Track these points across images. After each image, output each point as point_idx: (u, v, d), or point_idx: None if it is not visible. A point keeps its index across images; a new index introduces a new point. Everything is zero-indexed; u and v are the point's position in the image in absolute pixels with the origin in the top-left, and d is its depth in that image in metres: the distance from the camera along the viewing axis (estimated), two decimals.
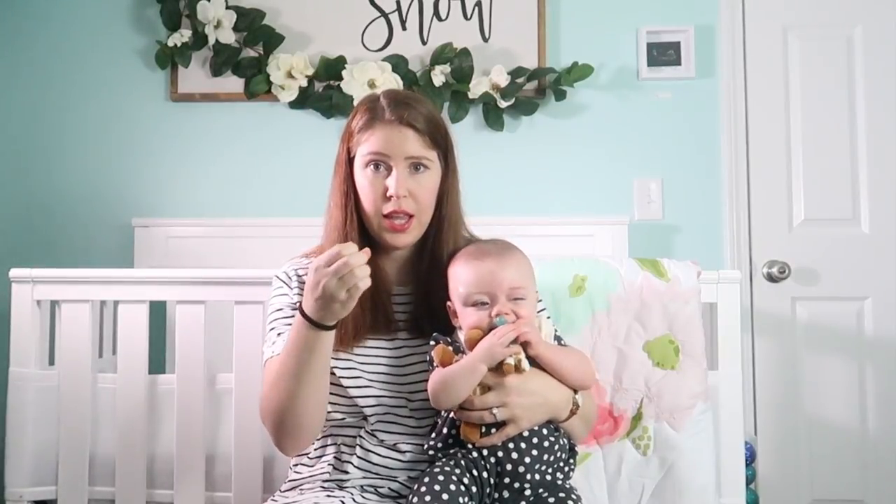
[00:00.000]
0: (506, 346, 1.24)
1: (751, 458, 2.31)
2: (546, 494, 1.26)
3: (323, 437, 1.41)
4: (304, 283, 1.40)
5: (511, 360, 1.25)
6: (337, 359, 1.34)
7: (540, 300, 1.44)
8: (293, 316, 1.38)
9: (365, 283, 1.20)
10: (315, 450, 1.42)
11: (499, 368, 1.25)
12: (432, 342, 1.32)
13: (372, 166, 1.36)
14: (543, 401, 1.29)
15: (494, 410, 1.25)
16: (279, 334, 1.38)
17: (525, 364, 1.26)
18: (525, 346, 1.27)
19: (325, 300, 1.20)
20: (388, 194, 1.34)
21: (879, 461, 2.60)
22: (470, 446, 1.27)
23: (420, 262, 1.42)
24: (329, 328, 1.24)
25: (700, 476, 1.67)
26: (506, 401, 1.25)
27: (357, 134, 1.38)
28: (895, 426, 2.61)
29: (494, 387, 1.26)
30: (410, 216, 1.36)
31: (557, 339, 1.39)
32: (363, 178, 1.37)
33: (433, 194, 1.39)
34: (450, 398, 1.26)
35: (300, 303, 1.26)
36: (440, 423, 1.32)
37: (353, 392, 1.36)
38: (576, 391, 1.34)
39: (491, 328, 1.27)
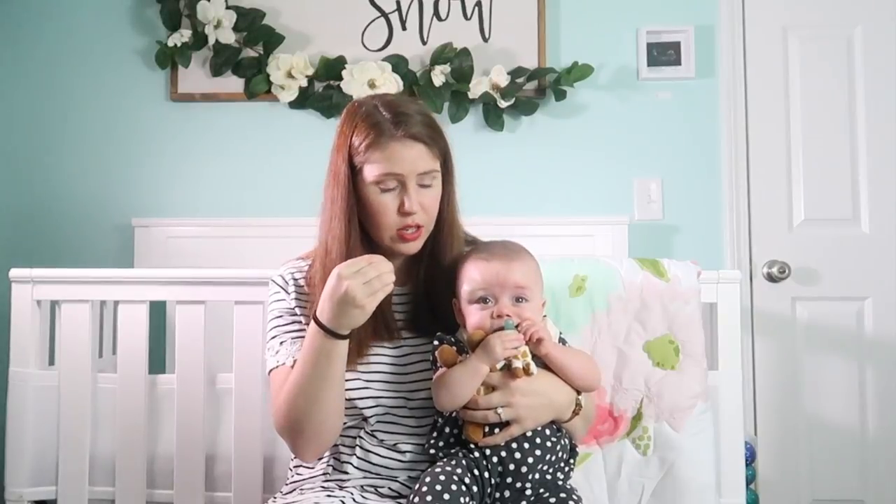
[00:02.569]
0: (510, 349, 1.24)
1: (751, 458, 2.31)
2: (547, 495, 1.26)
3: None
4: (300, 287, 1.41)
5: (519, 364, 1.25)
6: None
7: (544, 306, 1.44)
8: (293, 323, 1.40)
9: (388, 288, 1.23)
10: None
11: (506, 370, 1.26)
12: (436, 342, 1.32)
13: (385, 184, 1.34)
14: (548, 401, 1.29)
15: (499, 410, 1.25)
16: (281, 343, 1.39)
17: (533, 368, 1.26)
18: (537, 343, 1.27)
19: (345, 304, 1.21)
20: (403, 210, 1.33)
21: (879, 461, 2.61)
22: (472, 446, 1.27)
23: (419, 262, 1.42)
24: (344, 337, 1.26)
25: (700, 476, 1.67)
26: (510, 401, 1.26)
27: (365, 152, 1.34)
28: (895, 426, 2.61)
29: (499, 386, 1.27)
30: (420, 227, 1.36)
31: (562, 340, 1.39)
32: (374, 195, 1.35)
33: (438, 202, 1.39)
34: (452, 401, 1.26)
35: (314, 312, 1.27)
36: (441, 422, 1.31)
37: (351, 395, 1.35)
38: (579, 392, 1.34)
39: (494, 329, 1.27)
